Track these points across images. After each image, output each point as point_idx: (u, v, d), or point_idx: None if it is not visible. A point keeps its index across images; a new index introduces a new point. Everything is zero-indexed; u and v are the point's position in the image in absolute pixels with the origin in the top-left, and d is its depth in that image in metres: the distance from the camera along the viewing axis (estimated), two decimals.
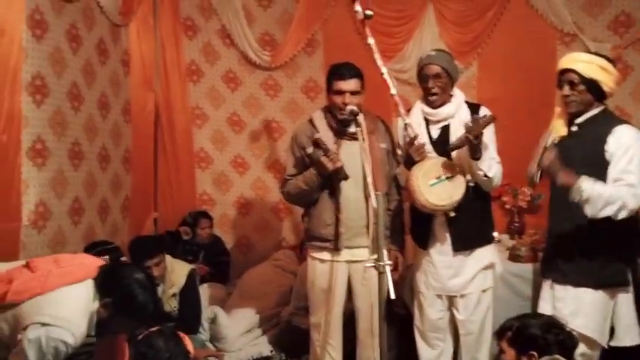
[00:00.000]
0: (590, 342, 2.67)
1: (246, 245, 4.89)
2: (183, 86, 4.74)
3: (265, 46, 4.66)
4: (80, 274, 2.27)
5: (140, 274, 2.29)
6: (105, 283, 2.26)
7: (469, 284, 2.97)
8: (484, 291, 3.01)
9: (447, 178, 2.85)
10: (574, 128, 2.71)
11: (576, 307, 2.66)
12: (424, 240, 3.05)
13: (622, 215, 2.47)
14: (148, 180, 4.67)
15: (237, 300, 4.07)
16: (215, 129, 4.81)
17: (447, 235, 2.96)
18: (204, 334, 3.72)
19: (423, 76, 2.94)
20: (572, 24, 4.15)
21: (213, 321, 3.75)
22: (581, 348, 2.57)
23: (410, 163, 2.91)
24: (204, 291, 3.95)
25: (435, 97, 2.92)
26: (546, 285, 2.82)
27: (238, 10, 4.56)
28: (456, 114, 2.93)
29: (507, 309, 3.38)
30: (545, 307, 2.78)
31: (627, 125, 2.62)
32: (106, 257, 2.97)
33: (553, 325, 2.26)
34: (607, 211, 2.46)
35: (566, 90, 2.66)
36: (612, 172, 2.54)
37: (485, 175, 2.82)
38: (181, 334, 2.42)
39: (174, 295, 3.46)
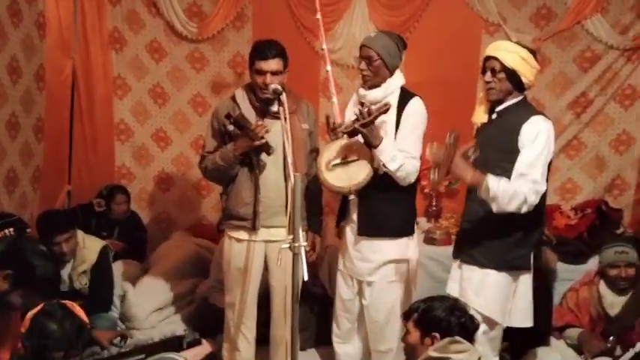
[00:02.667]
0: (490, 321, 2.77)
1: (166, 221, 4.79)
2: (104, 54, 4.55)
3: (193, 17, 4.52)
4: None
5: (40, 247, 2.21)
6: (5, 256, 2.18)
7: (375, 272, 2.95)
8: (391, 282, 2.97)
9: (352, 160, 2.84)
10: (494, 116, 2.77)
11: (479, 287, 2.74)
12: (341, 218, 3.08)
13: (524, 210, 2.56)
14: (62, 151, 4.47)
15: (149, 277, 3.96)
16: (137, 100, 4.66)
17: (356, 217, 2.98)
18: (115, 312, 3.63)
19: (359, 57, 2.93)
20: (496, 14, 4.24)
21: (123, 298, 3.66)
22: (483, 327, 2.66)
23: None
24: (118, 268, 3.84)
25: (365, 79, 2.91)
26: (455, 265, 2.90)
27: None
28: (384, 99, 2.89)
29: (421, 291, 3.47)
30: (452, 287, 2.86)
31: (542, 117, 2.68)
32: (10, 229, 2.85)
33: (456, 307, 2.32)
34: (511, 207, 2.54)
35: (488, 76, 2.71)
36: (520, 164, 2.60)
37: (385, 166, 2.77)
38: (70, 304, 2.31)
39: (84, 272, 3.35)
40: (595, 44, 4.21)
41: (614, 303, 3.30)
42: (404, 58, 3.03)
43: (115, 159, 4.71)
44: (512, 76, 2.66)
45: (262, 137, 2.85)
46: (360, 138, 2.84)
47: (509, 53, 2.65)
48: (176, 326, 3.67)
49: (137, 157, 4.72)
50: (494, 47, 2.73)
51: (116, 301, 3.62)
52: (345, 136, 2.88)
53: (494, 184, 2.54)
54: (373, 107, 2.75)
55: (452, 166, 2.56)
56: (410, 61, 4.29)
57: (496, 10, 4.24)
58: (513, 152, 2.64)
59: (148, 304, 3.72)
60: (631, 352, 2.92)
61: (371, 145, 2.77)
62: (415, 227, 3.05)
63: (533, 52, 2.73)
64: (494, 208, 2.57)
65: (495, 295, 2.73)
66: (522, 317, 2.80)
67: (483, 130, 2.81)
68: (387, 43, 2.88)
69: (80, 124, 4.53)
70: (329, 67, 3.41)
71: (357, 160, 2.84)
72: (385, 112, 2.77)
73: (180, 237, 4.50)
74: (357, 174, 2.82)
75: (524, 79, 2.68)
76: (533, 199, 2.56)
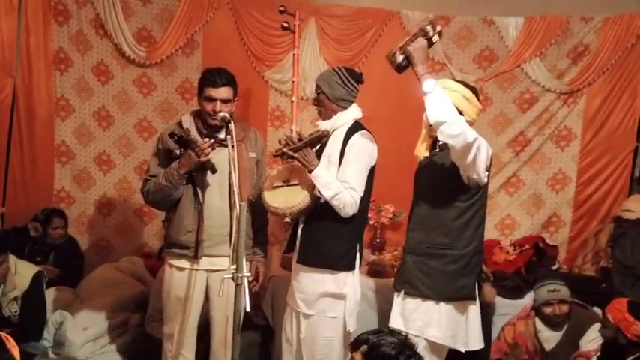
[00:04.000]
0: (438, 349, 2.79)
1: (105, 248, 4.65)
2: (47, 74, 4.44)
3: (142, 41, 4.49)
4: None
5: None
6: None
7: (311, 305, 2.89)
8: (328, 317, 2.88)
9: (293, 184, 2.86)
10: (436, 150, 2.83)
11: (429, 317, 2.76)
12: (290, 247, 3.03)
13: (454, 130, 2.48)
14: None
15: (81, 304, 3.82)
16: (80, 122, 4.55)
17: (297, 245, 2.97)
18: (47, 340, 3.47)
19: None
20: (442, 53, 4.39)
21: (60, 326, 3.51)
22: (427, 357, 2.68)
23: None
24: (50, 294, 3.70)
25: (318, 113, 2.97)
26: (398, 298, 2.90)
27: (115, 1, 4.36)
28: (333, 130, 2.91)
29: (364, 323, 3.47)
30: (397, 321, 2.85)
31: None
32: None
33: (406, 345, 2.32)
34: (445, 116, 2.49)
35: None
36: None
37: (320, 192, 2.77)
38: (4, 337, 2.17)
39: (15, 298, 3.21)
40: (533, 87, 4.40)
41: (550, 338, 3.39)
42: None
43: (55, 182, 4.56)
44: None
45: (207, 154, 2.82)
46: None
47: (452, 92, 2.70)
48: (111, 356, 3.55)
49: (78, 180, 4.59)
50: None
51: (51, 327, 3.47)
52: (290, 161, 2.90)
53: (443, 92, 2.52)
54: (306, 134, 2.78)
55: (412, 47, 2.53)
56: (359, 96, 4.39)
57: (442, 49, 4.38)
58: (451, 187, 2.70)
59: (86, 332, 3.59)
60: None
61: (307, 169, 2.79)
62: (357, 264, 2.94)
63: (475, 91, 2.80)
64: (430, 107, 2.52)
65: (447, 324, 2.76)
66: (478, 340, 2.85)
67: (425, 164, 2.88)
68: (327, 76, 2.92)
69: (19, 145, 4.38)
70: (294, 98, 3.46)
71: (298, 185, 2.86)
72: (319, 138, 2.80)
73: (104, 267, 4.33)
74: (294, 198, 2.82)
75: (466, 117, 2.72)
76: (469, 136, 2.50)
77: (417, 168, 2.94)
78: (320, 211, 2.84)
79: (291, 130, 3.23)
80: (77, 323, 3.61)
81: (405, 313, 2.83)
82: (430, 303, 2.76)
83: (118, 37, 4.42)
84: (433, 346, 2.78)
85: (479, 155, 2.57)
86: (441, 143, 2.80)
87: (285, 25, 4.09)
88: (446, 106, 2.51)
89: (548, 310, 3.36)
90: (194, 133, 2.93)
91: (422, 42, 2.56)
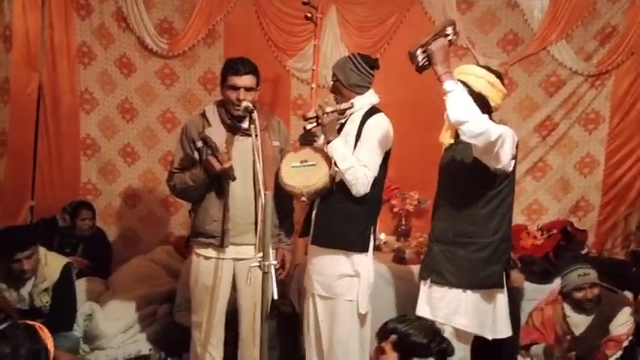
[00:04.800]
0: (464, 337, 2.78)
1: (132, 239, 4.70)
2: (71, 68, 4.48)
3: (163, 33, 4.51)
4: None
5: None
6: None
7: (327, 287, 2.92)
8: (348, 301, 2.89)
9: (310, 164, 2.88)
10: (461, 138, 2.79)
11: (457, 306, 2.74)
12: (305, 230, 3.05)
13: (476, 129, 2.45)
14: (26, 165, 4.36)
15: (112, 296, 3.87)
16: (104, 115, 4.59)
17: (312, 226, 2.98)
18: (78, 331, 3.52)
19: None
20: (465, 38, 4.33)
21: (90, 318, 3.56)
22: (459, 354, 2.65)
23: None
24: (81, 285, 3.75)
25: (335, 100, 2.98)
26: (424, 285, 2.89)
27: None
28: (350, 114, 2.93)
29: (390, 310, 3.48)
30: (424, 309, 2.83)
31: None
32: None
33: (436, 333, 2.32)
34: (466, 116, 2.46)
35: None
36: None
37: (336, 164, 2.79)
38: (38, 327, 2.18)
39: (46, 289, 3.25)
40: (560, 69, 4.32)
41: (579, 322, 3.34)
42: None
43: (81, 175, 4.61)
44: (481, 99, 2.69)
45: (228, 161, 2.84)
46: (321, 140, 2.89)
47: (478, 78, 2.68)
48: (141, 345, 3.59)
49: (103, 172, 4.64)
50: (462, 71, 2.76)
51: (80, 320, 3.52)
52: (311, 143, 2.96)
53: (464, 90, 2.50)
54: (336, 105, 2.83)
55: (434, 46, 2.50)
56: (379, 82, 4.35)
57: (465, 34, 4.32)
58: (478, 173, 2.66)
59: (116, 323, 3.63)
60: None
61: (328, 139, 2.83)
62: (371, 246, 2.96)
63: (500, 76, 2.77)
64: (451, 107, 2.49)
65: (475, 312, 2.74)
66: (506, 328, 2.82)
67: (448, 152, 2.85)
68: (342, 64, 2.96)
69: (45, 139, 4.44)
70: (314, 85, 3.47)
71: (315, 164, 2.87)
72: (344, 111, 2.84)
73: (138, 259, 4.35)
74: (311, 177, 2.83)
75: (492, 103, 2.71)
76: (492, 135, 2.47)
77: (442, 155, 2.91)
78: (335, 192, 2.86)
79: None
80: (108, 315, 3.65)
81: (432, 301, 2.81)
82: (457, 291, 2.74)
83: (139, 29, 4.45)
84: (459, 333, 2.76)
85: (502, 149, 2.55)
86: None
87: (309, 15, 4.07)
88: (467, 106, 2.48)
89: (580, 295, 3.31)
90: (217, 124, 2.96)
91: (442, 41, 2.53)
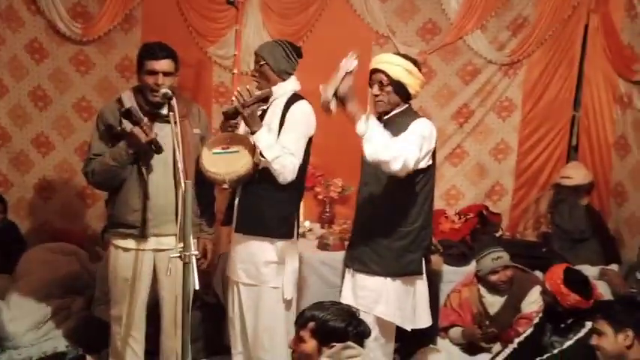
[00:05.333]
0: (386, 327, 2.84)
1: (49, 232, 4.49)
2: None
3: (77, 17, 4.31)
4: None
5: None
6: None
7: (252, 274, 2.93)
8: (269, 287, 2.93)
9: (233, 151, 2.86)
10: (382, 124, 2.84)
11: (378, 294, 2.80)
12: (228, 219, 3.04)
13: (395, 167, 2.50)
14: None
15: (22, 291, 3.67)
16: (15, 103, 4.35)
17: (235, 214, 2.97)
18: None
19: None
20: (386, 27, 4.39)
21: None
22: (374, 333, 2.73)
23: None
24: None
25: (256, 84, 2.97)
26: (348, 274, 2.94)
27: None
28: (272, 100, 2.94)
29: (316, 297, 3.50)
30: (347, 296, 2.89)
31: (422, 119, 2.79)
32: None
33: (353, 316, 2.35)
34: (384, 156, 2.49)
35: (376, 90, 2.78)
36: (403, 134, 2.66)
37: (262, 155, 2.78)
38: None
39: None
40: (476, 59, 4.46)
41: (494, 302, 3.48)
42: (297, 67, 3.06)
43: None
44: (399, 87, 2.75)
45: (152, 132, 2.78)
46: (242, 128, 2.88)
47: (395, 66, 2.73)
48: (57, 342, 3.46)
49: (15, 163, 4.41)
50: (379, 60, 2.80)
51: None
52: (233, 130, 2.93)
53: (375, 124, 2.50)
54: (256, 92, 2.79)
55: (347, 91, 2.50)
56: (302, 69, 4.34)
57: (385, 22, 4.39)
58: None
59: (25, 321, 3.48)
60: (510, 348, 3.10)
61: (251, 130, 2.80)
62: (295, 233, 3.01)
63: (416, 63, 2.82)
64: (367, 150, 2.50)
65: (395, 301, 2.80)
66: (425, 317, 2.91)
67: None
68: (273, 49, 2.96)
69: None
70: (235, 70, 3.43)
71: (238, 151, 2.86)
72: (266, 96, 2.84)
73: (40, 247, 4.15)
74: (234, 164, 2.82)
75: (410, 90, 2.77)
76: (410, 163, 2.54)
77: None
78: (258, 179, 2.86)
79: (232, 100, 3.19)
80: (15, 312, 3.49)
81: (355, 289, 2.86)
82: (379, 279, 2.80)
83: (51, 12, 4.23)
84: (381, 322, 2.83)
85: (420, 158, 2.61)
86: (386, 117, 2.82)
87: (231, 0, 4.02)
88: (384, 146, 2.49)
89: (494, 277, 3.45)
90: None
91: (349, 81, 2.53)
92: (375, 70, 2.78)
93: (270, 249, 2.91)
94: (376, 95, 2.78)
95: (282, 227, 2.92)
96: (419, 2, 4.44)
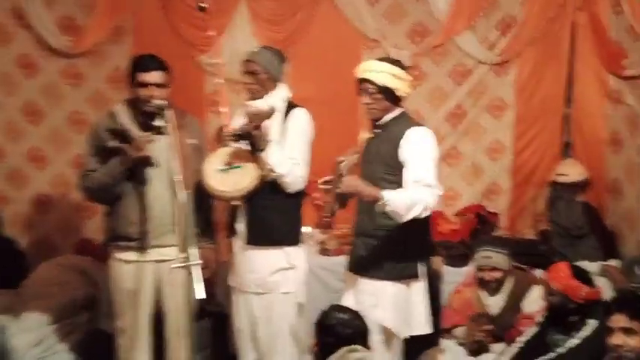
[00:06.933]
0: (388, 332, 2.84)
1: (48, 246, 4.45)
2: None
3: (66, 30, 4.30)
4: None
5: None
6: None
7: (265, 283, 2.94)
8: (285, 294, 2.96)
9: (238, 166, 2.86)
10: (377, 130, 2.85)
11: (377, 299, 2.80)
12: (231, 230, 3.04)
13: (425, 214, 2.62)
14: None
15: (23, 307, 3.62)
16: (7, 118, 4.33)
17: (244, 227, 2.96)
18: None
19: (245, 71, 2.97)
20: (375, 30, 4.40)
21: (1, 331, 3.37)
22: (380, 336, 2.75)
23: None
24: None
25: (250, 93, 2.96)
26: (350, 278, 2.94)
27: None
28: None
29: (317, 301, 3.50)
30: (348, 300, 2.89)
31: (418, 127, 2.79)
32: None
33: (357, 318, 2.35)
34: (412, 214, 2.57)
35: (366, 99, 2.78)
36: (410, 175, 2.67)
37: (273, 171, 2.81)
38: None
39: None
40: (466, 59, 4.48)
41: (492, 303, 3.47)
42: (287, 73, 3.07)
43: None
44: (388, 93, 2.75)
45: (144, 149, 2.77)
46: (244, 145, 2.87)
47: (379, 73, 2.72)
48: (63, 356, 3.44)
49: (10, 179, 4.38)
50: (363, 69, 2.78)
51: None
52: (231, 143, 2.91)
53: (391, 196, 2.56)
54: (262, 112, 2.80)
55: (344, 186, 2.54)
56: (293, 75, 4.34)
57: (374, 26, 4.40)
58: (394, 164, 2.74)
59: (29, 336, 3.43)
60: (514, 347, 3.10)
61: (259, 148, 2.80)
62: (301, 237, 3.05)
63: (400, 64, 2.82)
64: (397, 219, 2.59)
65: (392, 306, 2.79)
66: (422, 325, 2.89)
67: (367, 145, 2.89)
68: (270, 57, 2.96)
69: None
70: (220, 79, 3.43)
71: (242, 166, 2.85)
72: (269, 116, 2.82)
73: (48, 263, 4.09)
74: (242, 180, 2.83)
75: (399, 93, 2.77)
76: (433, 202, 2.64)
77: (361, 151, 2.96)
78: (265, 190, 2.86)
79: (223, 112, 3.18)
80: (21, 327, 3.46)
81: (356, 293, 2.86)
82: (378, 283, 2.80)
83: (40, 27, 4.22)
84: (383, 328, 2.82)
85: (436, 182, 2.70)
86: (380, 123, 2.82)
87: (202, 5, 3.97)
88: (408, 208, 2.55)
89: (480, 275, 3.44)
90: (128, 123, 2.87)
91: (350, 180, 2.60)
92: (362, 80, 2.78)
93: (281, 256, 2.93)
94: (367, 104, 2.78)
95: (291, 234, 2.96)
96: (407, 5, 4.47)
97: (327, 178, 2.54)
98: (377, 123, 2.84)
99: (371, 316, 2.76)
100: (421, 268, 2.86)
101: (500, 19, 4.45)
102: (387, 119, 2.82)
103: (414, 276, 2.84)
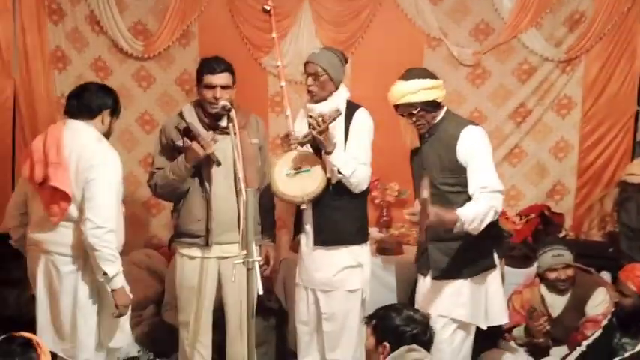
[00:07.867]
0: (466, 327, 2.83)
1: None
2: (46, 73, 4.45)
3: (138, 35, 4.50)
4: None
5: None
6: None
7: (331, 281, 2.98)
8: (347, 290, 3.00)
9: (305, 170, 2.91)
10: (426, 136, 2.84)
11: (457, 297, 2.79)
12: (296, 230, 3.11)
13: (496, 217, 2.67)
14: (5, 174, 4.34)
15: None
16: None
17: (310, 228, 3.01)
18: None
19: (305, 73, 3.00)
20: (437, 29, 4.37)
21: None
22: (444, 336, 2.75)
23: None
24: None
25: (312, 95, 2.99)
26: (421, 279, 2.94)
27: None
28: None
29: (376, 301, 3.52)
30: (422, 303, 2.87)
31: (470, 127, 2.76)
32: None
33: (413, 319, 2.35)
34: (487, 222, 2.59)
35: (412, 120, 2.77)
36: (475, 182, 2.66)
37: (340, 172, 2.84)
38: (36, 343, 2.12)
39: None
40: (531, 57, 4.38)
41: (555, 304, 3.40)
42: (347, 73, 3.10)
43: None
44: (429, 105, 2.75)
45: (211, 146, 2.87)
46: (309, 148, 2.92)
47: (414, 94, 2.71)
48: (129, 347, 3.58)
49: None
50: (397, 96, 2.75)
51: None
52: (297, 147, 2.96)
53: (464, 214, 2.54)
54: (326, 115, 2.81)
55: (434, 222, 2.48)
56: (355, 75, 4.40)
57: (437, 25, 4.37)
58: (454, 169, 2.73)
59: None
60: (578, 351, 3.03)
61: (326, 151, 2.83)
62: (367, 236, 3.10)
63: (427, 72, 2.80)
64: (475, 232, 2.60)
65: (471, 301, 2.80)
66: (500, 315, 2.90)
67: (418, 154, 2.89)
68: (331, 59, 2.97)
69: (23, 147, 4.38)
70: (283, 82, 3.49)
71: (310, 170, 2.91)
72: (336, 118, 2.84)
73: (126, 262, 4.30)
74: (310, 184, 2.88)
75: (439, 100, 2.77)
76: (500, 205, 2.67)
77: (411, 157, 2.96)
78: (331, 191, 2.91)
79: (287, 115, 3.22)
80: None
81: (432, 296, 2.85)
82: (456, 282, 2.79)
83: (113, 32, 4.44)
84: (462, 324, 2.83)
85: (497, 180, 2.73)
86: (428, 135, 2.81)
87: (267, 8, 4.06)
88: (481, 221, 2.58)
89: (553, 275, 3.37)
90: (196, 125, 2.97)
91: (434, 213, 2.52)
92: (399, 106, 2.77)
93: (348, 255, 2.98)
94: (414, 122, 2.78)
95: (358, 233, 3.01)
96: (471, 3, 4.41)
97: (412, 210, 2.52)
98: (427, 135, 2.83)
99: (450, 315, 2.77)
100: (496, 256, 2.85)
101: (568, 15, 4.32)
102: (433, 125, 2.81)
103: (492, 267, 2.84)
